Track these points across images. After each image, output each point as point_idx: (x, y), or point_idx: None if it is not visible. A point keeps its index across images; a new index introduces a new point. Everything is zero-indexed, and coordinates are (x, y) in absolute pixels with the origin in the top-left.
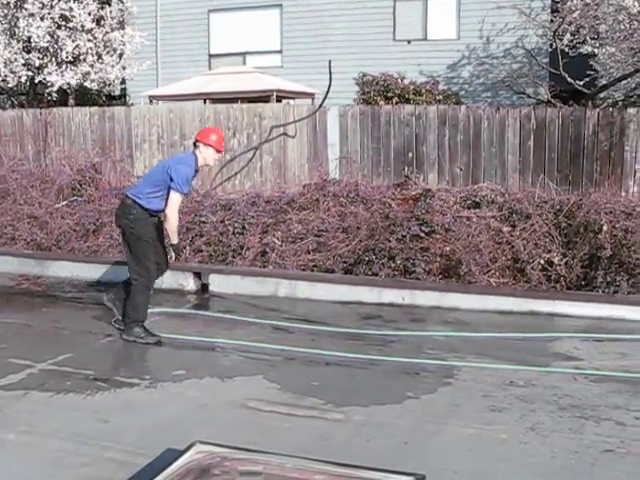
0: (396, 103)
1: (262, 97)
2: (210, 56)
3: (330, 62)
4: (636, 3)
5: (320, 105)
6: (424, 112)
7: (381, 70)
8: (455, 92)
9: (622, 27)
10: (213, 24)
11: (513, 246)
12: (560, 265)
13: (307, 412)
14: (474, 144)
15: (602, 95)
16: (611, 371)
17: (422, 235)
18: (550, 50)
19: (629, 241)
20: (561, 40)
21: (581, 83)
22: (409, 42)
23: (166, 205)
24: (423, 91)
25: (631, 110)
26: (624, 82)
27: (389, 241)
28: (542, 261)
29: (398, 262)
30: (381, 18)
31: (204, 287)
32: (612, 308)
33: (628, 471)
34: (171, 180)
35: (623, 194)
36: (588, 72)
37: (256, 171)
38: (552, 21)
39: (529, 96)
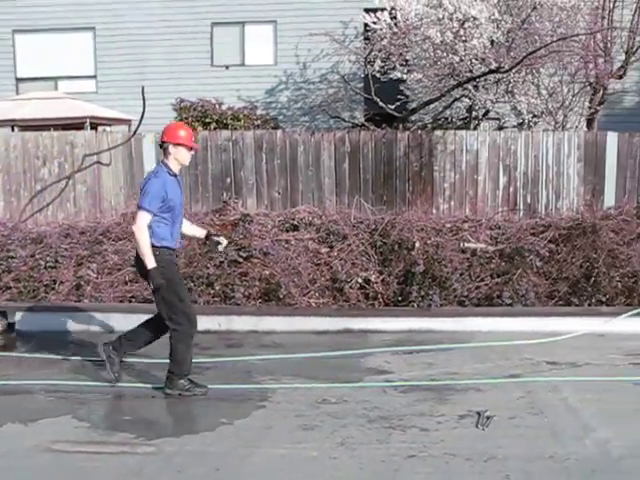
0: (214, 129)
1: (75, 124)
2: (17, 80)
3: (143, 88)
4: (438, 34)
5: (135, 132)
6: (241, 137)
7: (199, 96)
8: (274, 117)
9: (427, 55)
10: (19, 46)
11: (331, 267)
12: (377, 283)
13: (117, 448)
14: (291, 168)
15: (414, 118)
16: (419, 381)
17: (240, 260)
18: (363, 75)
19: (440, 256)
20: (372, 66)
21: (392, 107)
22: (227, 67)
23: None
24: (241, 116)
25: (438, 132)
26: (433, 106)
27: (207, 267)
28: (360, 280)
29: (217, 288)
30: (199, 43)
31: (10, 326)
32: (422, 321)
33: (428, 472)
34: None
35: (434, 211)
36: (399, 97)
37: (69, 201)
38: (365, 48)
39: (344, 120)
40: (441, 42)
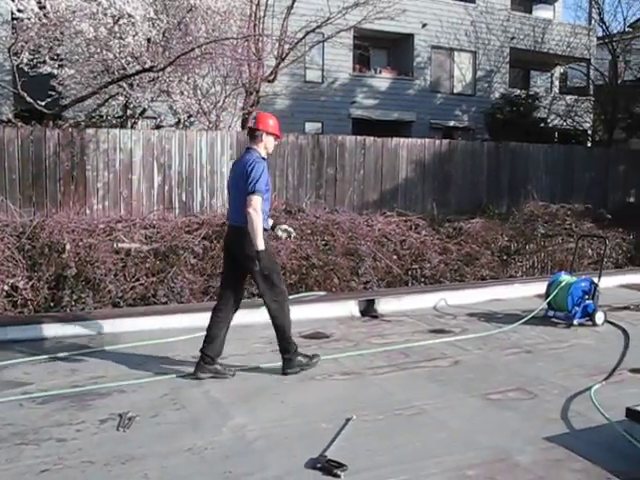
0: None
1: None
2: None
3: None
4: (91, 29)
5: None
6: None
7: None
8: None
9: (80, 50)
10: None
11: None
12: (26, 289)
13: None
14: None
15: (69, 115)
16: (60, 389)
17: None
18: (10, 68)
19: (92, 258)
20: (19, 58)
21: (43, 103)
22: None
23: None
24: None
25: (90, 130)
26: (88, 103)
27: None
28: (6, 287)
29: None
30: None
31: None
32: (68, 326)
33: None
34: (248, 182)
35: (88, 212)
36: (51, 92)
37: None
38: (11, 38)
39: None
40: (95, 38)
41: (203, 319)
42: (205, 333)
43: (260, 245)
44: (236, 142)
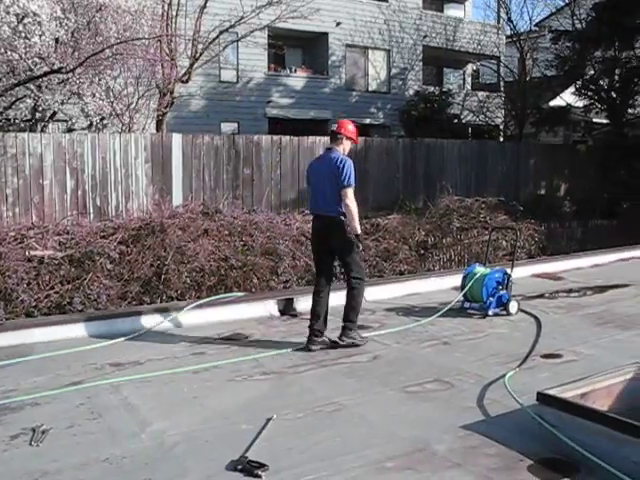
0: None
1: None
2: None
3: None
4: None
5: None
6: None
7: None
8: None
9: None
10: None
11: None
12: None
13: None
14: None
15: None
16: None
17: None
18: None
19: (3, 267)
20: None
21: None
22: None
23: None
24: None
25: None
26: None
27: None
28: None
29: None
30: None
31: None
32: None
33: None
34: (342, 178)
35: None
36: None
37: None
38: None
39: None
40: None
41: (117, 325)
42: (311, 313)
43: (359, 229)
44: (150, 144)
